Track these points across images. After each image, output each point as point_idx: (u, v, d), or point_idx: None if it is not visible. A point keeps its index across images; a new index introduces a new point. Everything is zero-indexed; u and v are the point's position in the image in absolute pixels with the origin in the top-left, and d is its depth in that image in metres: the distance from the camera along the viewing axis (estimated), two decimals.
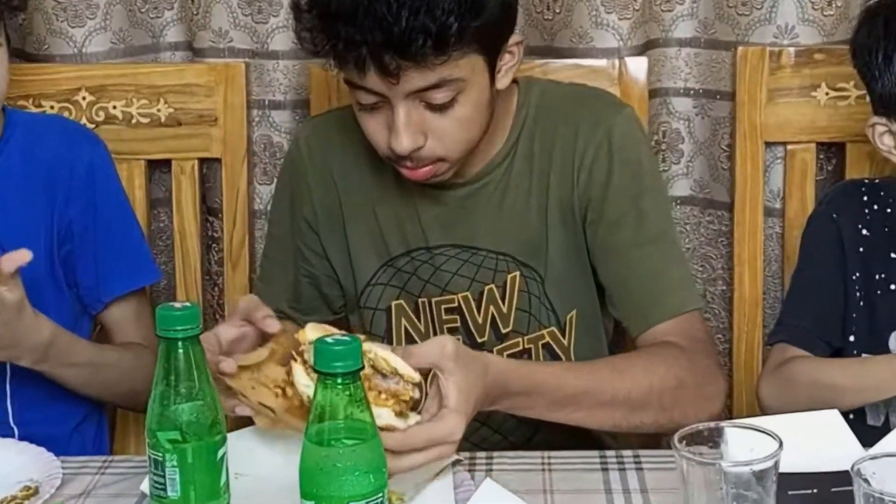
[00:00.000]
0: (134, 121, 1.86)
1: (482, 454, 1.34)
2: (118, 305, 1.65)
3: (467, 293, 1.56)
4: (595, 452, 1.35)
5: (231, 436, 1.15)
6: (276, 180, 1.76)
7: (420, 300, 1.58)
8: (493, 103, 1.46)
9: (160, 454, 1.10)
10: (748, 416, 1.59)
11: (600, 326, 1.61)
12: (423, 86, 1.37)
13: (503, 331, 1.57)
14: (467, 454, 1.33)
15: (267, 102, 1.94)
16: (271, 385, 1.20)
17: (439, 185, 1.53)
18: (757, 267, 1.82)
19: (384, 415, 1.14)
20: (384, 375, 1.15)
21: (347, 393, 0.99)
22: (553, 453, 1.34)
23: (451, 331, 1.58)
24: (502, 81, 1.46)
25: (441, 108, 1.40)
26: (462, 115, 1.42)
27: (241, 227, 1.89)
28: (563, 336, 1.57)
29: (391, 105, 1.39)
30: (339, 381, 0.98)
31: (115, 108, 1.86)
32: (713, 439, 1.08)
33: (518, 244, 1.54)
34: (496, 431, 1.59)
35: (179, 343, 1.09)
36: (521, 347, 1.57)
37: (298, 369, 1.16)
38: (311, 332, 1.17)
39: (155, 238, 1.96)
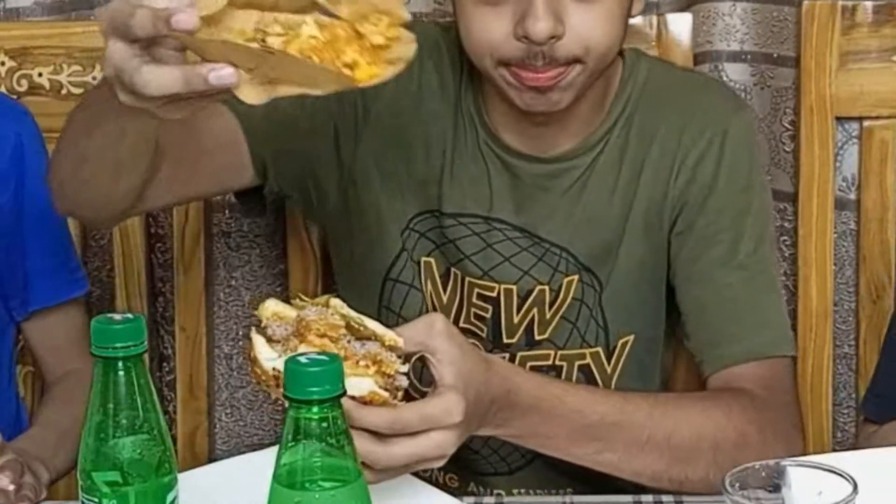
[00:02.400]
0: (64, 91, 1.87)
1: (490, 499, 1.35)
2: (48, 317, 1.66)
3: (513, 287, 1.57)
4: (629, 497, 1.35)
5: (184, 476, 1.16)
6: None
7: (453, 270, 1.59)
8: (626, 26, 1.48)
9: (96, 499, 1.10)
10: (815, 452, 1.59)
11: (657, 364, 1.62)
12: None
13: (537, 338, 1.58)
14: (472, 499, 1.33)
15: None
16: (241, 41, 1.08)
17: (518, 152, 1.54)
18: (826, 271, 1.83)
19: (365, 383, 1.15)
20: (360, 342, 1.16)
21: (325, 424, 0.99)
22: (578, 497, 1.34)
23: (478, 319, 1.58)
24: (637, 6, 1.50)
25: None
26: (607, 10, 1.43)
27: (195, 221, 1.89)
28: (608, 362, 1.58)
29: None
30: (316, 409, 0.99)
31: (40, 75, 1.86)
32: (773, 481, 1.08)
33: (587, 245, 1.56)
34: (476, 452, 1.60)
35: (120, 363, 1.09)
36: (550, 362, 1.58)
37: (259, 340, 1.17)
38: (274, 305, 1.19)
39: (87, 236, 1.96)
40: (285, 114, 1.52)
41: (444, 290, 1.59)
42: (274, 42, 1.06)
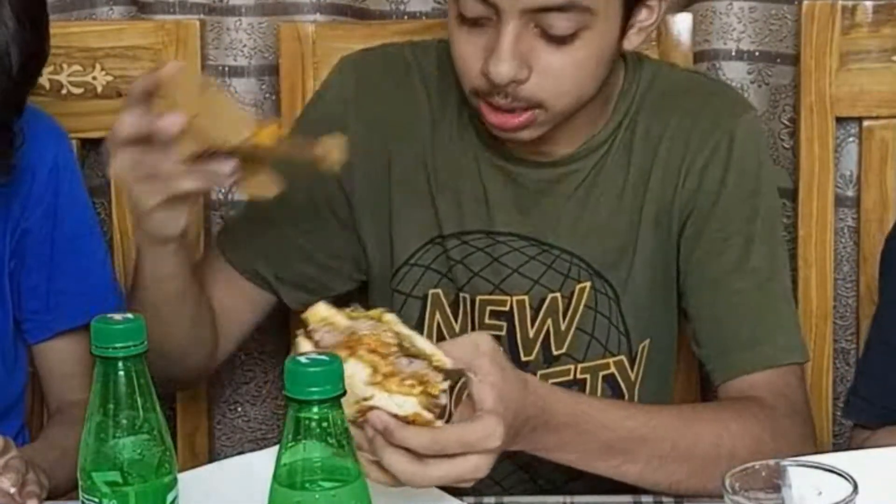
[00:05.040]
0: (64, 91, 1.86)
1: (490, 499, 1.35)
2: (64, 340, 1.64)
3: (525, 297, 1.56)
4: (628, 497, 1.36)
5: (184, 476, 1.16)
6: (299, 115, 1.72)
7: (462, 295, 1.57)
8: (612, 64, 1.47)
9: (96, 499, 1.10)
10: (815, 452, 1.59)
11: (672, 364, 1.62)
12: (545, 3, 1.37)
13: (554, 352, 1.57)
14: (472, 499, 1.33)
15: (227, 69, 1.94)
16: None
17: (517, 158, 1.53)
18: (826, 272, 1.82)
19: (409, 403, 1.16)
20: (408, 359, 1.17)
21: (325, 424, 0.99)
22: (578, 498, 1.34)
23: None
24: (633, 40, 1.47)
25: (558, 41, 1.40)
26: (580, 58, 1.41)
27: (193, 220, 1.88)
28: (632, 369, 1.57)
29: (499, 23, 1.39)
30: (316, 409, 0.99)
31: (40, 75, 1.85)
32: (773, 481, 1.08)
33: (599, 250, 1.55)
34: (521, 468, 1.58)
35: (120, 363, 1.09)
36: (571, 377, 1.57)
37: (306, 346, 1.17)
38: (324, 310, 1.19)
39: None
40: (289, 243, 1.60)
41: (456, 320, 1.58)
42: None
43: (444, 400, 1.18)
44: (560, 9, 1.37)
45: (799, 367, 1.52)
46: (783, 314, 1.53)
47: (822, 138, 1.82)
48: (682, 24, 1.82)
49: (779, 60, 1.89)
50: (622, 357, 1.57)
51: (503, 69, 1.39)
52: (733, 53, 1.91)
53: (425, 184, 1.57)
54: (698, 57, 1.88)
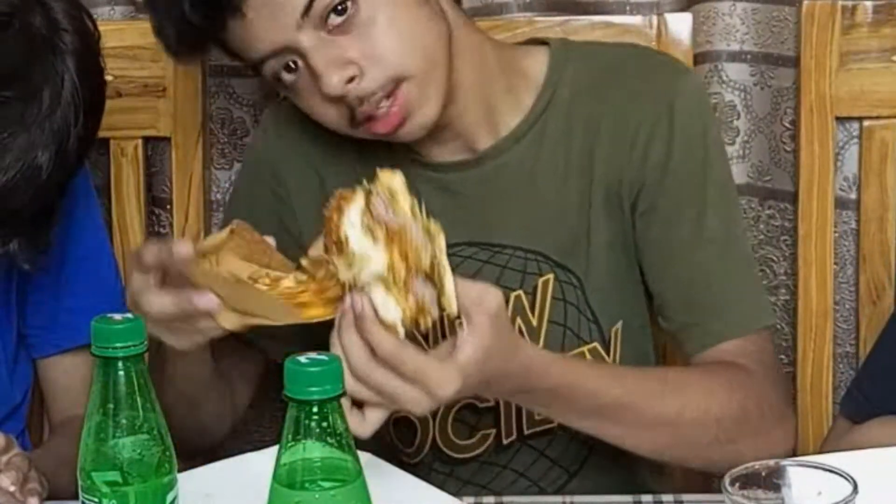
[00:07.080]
0: None
1: (490, 499, 1.35)
2: (70, 357, 1.63)
3: None
4: (629, 497, 1.36)
5: (184, 476, 1.16)
6: (232, 188, 1.75)
7: None
8: (437, 14, 1.43)
9: (96, 499, 1.10)
10: (815, 452, 1.59)
11: (649, 342, 1.61)
12: (296, 9, 1.36)
13: None
14: (472, 499, 1.33)
15: (226, 69, 1.94)
16: (232, 280, 1.23)
17: (445, 164, 1.52)
18: (826, 271, 1.82)
19: (394, 312, 1.17)
20: (426, 282, 1.17)
21: (325, 424, 0.99)
22: (578, 498, 1.34)
23: None
24: None
25: (349, 25, 1.38)
26: (377, 18, 1.39)
27: (194, 221, 1.89)
28: (608, 353, 1.57)
29: (301, 57, 1.39)
30: (316, 409, 0.99)
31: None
32: (773, 480, 1.08)
33: (553, 240, 1.53)
34: (521, 475, 1.59)
35: (120, 363, 1.09)
36: None
37: (357, 207, 1.18)
38: (399, 184, 1.19)
39: None
40: None
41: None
42: (259, 288, 1.23)
43: (423, 330, 1.20)
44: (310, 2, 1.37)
45: (768, 330, 1.51)
46: (746, 278, 1.52)
47: (822, 138, 1.82)
48: (681, 24, 1.82)
49: (780, 63, 1.89)
50: (595, 344, 1.56)
51: (332, 81, 1.38)
52: (736, 55, 1.91)
53: None
54: (700, 58, 1.88)
